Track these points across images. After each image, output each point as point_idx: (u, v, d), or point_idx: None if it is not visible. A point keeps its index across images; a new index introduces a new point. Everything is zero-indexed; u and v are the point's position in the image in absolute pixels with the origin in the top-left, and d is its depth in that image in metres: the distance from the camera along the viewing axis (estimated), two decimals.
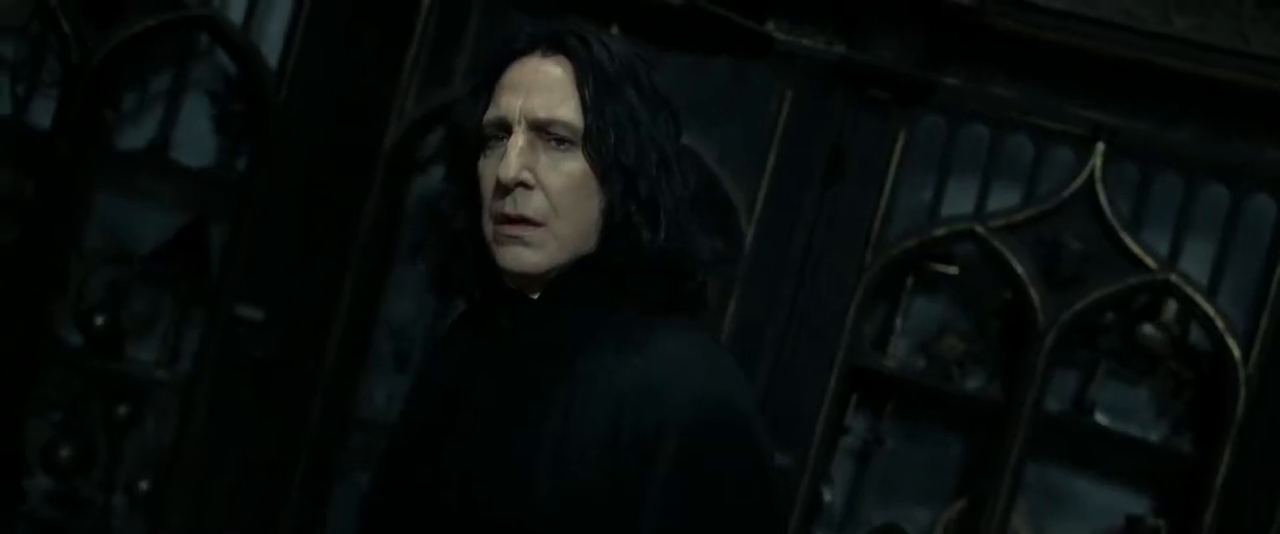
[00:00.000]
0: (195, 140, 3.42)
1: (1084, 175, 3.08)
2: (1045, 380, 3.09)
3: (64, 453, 3.34)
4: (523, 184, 1.36)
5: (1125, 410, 3.29)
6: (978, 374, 3.33)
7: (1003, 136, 3.14)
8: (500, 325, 1.44)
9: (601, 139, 1.36)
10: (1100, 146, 3.06)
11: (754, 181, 3.17)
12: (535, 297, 1.42)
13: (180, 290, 3.42)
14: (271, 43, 3.24)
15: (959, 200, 3.17)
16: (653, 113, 1.41)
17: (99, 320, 3.32)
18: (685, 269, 1.41)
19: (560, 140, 1.37)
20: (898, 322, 3.34)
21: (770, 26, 3.16)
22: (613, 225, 1.39)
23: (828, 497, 3.36)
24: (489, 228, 1.40)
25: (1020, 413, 3.08)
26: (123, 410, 3.40)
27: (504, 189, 1.36)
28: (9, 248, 3.24)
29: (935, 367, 3.31)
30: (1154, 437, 3.25)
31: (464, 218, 1.44)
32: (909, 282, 3.32)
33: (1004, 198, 3.15)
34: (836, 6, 3.12)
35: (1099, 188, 3.07)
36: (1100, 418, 3.26)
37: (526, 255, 1.38)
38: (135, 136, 3.43)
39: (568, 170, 1.38)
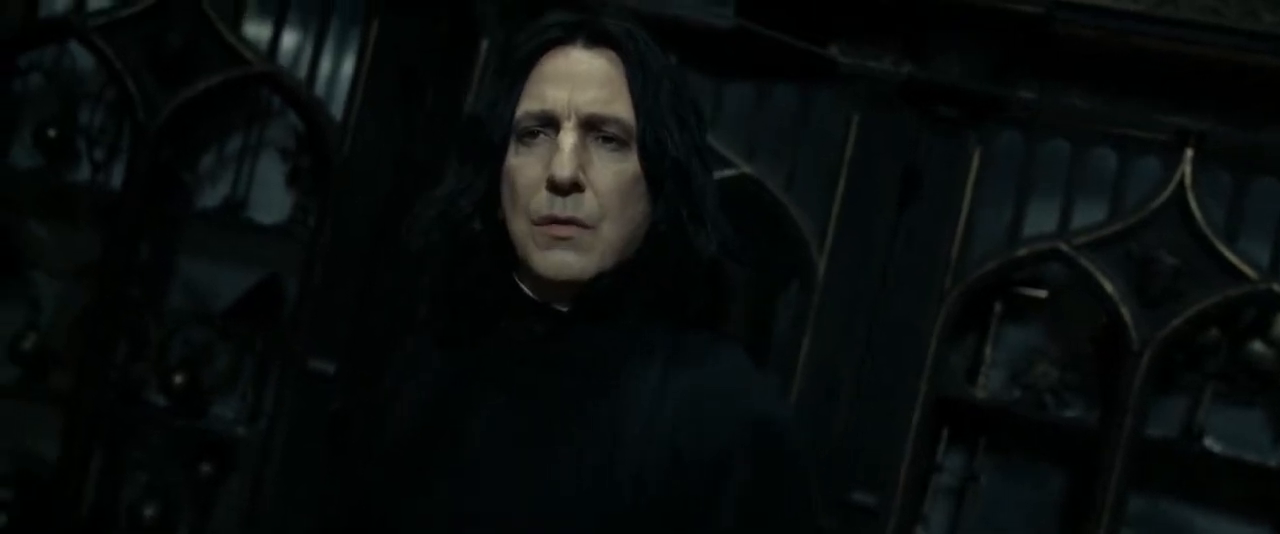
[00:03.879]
0: (270, 198, 3.45)
1: (1173, 184, 2.91)
2: (1143, 404, 2.90)
3: (149, 513, 3.36)
4: (576, 185, 1.27)
5: (1238, 435, 3.07)
6: (1075, 402, 3.14)
7: (1084, 149, 2.99)
8: (514, 338, 1.33)
9: (656, 140, 1.29)
10: (1189, 153, 2.89)
11: (824, 210, 3.06)
12: (562, 307, 1.32)
13: (258, 347, 3.44)
14: (344, 96, 3.24)
15: (1041, 219, 3.02)
16: (688, 112, 1.34)
17: (179, 379, 3.34)
18: (728, 279, 1.34)
19: (610, 139, 1.29)
20: (987, 350, 3.18)
21: (833, 50, 3.06)
22: (659, 231, 1.31)
23: None
24: (522, 229, 1.30)
25: (1118, 441, 2.89)
26: (206, 468, 3.41)
27: (557, 189, 1.27)
28: (91, 311, 3.28)
29: (1029, 396, 3.14)
30: (1272, 461, 3.02)
31: (483, 219, 1.34)
32: (997, 308, 3.17)
33: (1089, 213, 2.99)
34: (900, 25, 3.02)
35: (1190, 196, 2.89)
36: (1211, 444, 3.05)
37: (573, 260, 1.28)
38: (212, 197, 3.48)
39: (619, 171, 1.29)
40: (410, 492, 1.35)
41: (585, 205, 1.27)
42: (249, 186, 3.45)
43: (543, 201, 1.28)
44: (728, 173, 3.02)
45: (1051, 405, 3.13)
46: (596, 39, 1.32)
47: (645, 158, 1.29)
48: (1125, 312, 2.90)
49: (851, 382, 3.01)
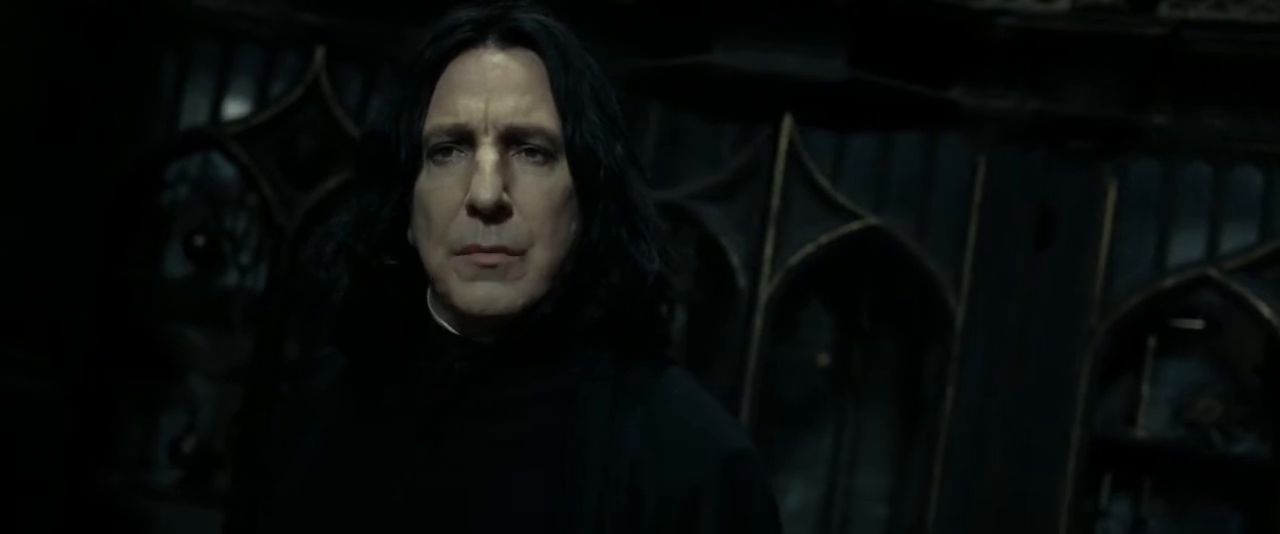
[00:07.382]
0: None
1: None
2: None
3: None
4: (500, 208, 1.11)
5: None
6: (1245, 436, 2.98)
7: (1226, 170, 2.87)
8: (433, 378, 1.17)
9: (588, 149, 1.14)
10: None
11: (957, 255, 2.99)
12: (484, 340, 1.16)
13: None
14: None
15: (1187, 247, 2.90)
16: (618, 113, 1.18)
17: None
18: (670, 296, 1.20)
19: (534, 152, 1.13)
20: (1145, 388, 3.05)
21: (955, 93, 3.00)
22: (597, 251, 1.15)
23: None
24: (439, 260, 1.12)
25: None
26: None
27: (480, 215, 1.10)
28: (244, 411, 3.37)
29: (1194, 433, 3.00)
30: None
31: (392, 249, 1.16)
32: (1151, 343, 3.04)
33: (1238, 237, 2.87)
34: (1021, 61, 2.95)
35: None
36: None
37: (500, 292, 1.12)
38: None
39: (547, 188, 1.13)
40: None
41: (511, 230, 1.12)
42: None
43: (464, 229, 1.11)
44: (854, 225, 2.98)
45: (1219, 442, 2.98)
46: (510, 38, 1.16)
47: (577, 171, 1.14)
48: None
49: (1000, 429, 2.91)
